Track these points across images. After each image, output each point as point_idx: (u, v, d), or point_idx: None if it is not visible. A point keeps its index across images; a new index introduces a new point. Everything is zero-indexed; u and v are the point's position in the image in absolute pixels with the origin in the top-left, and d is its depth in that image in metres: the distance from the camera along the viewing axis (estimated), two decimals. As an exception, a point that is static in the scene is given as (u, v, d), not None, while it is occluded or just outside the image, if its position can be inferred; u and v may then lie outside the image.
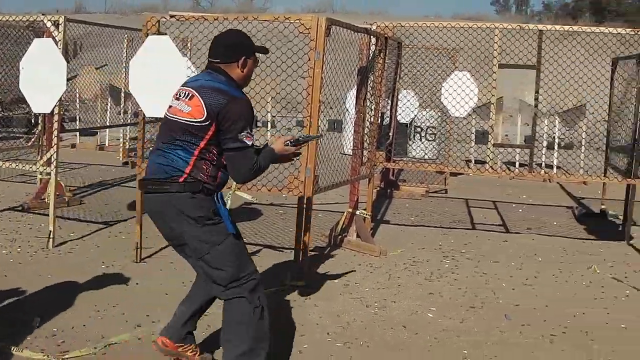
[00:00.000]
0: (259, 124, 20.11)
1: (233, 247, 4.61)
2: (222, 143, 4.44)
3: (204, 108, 4.39)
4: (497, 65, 8.40)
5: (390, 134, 9.73)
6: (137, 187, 5.06)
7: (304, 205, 7.01)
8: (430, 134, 15.23)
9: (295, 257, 7.17)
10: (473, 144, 15.71)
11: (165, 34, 7.37)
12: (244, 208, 9.98)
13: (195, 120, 4.41)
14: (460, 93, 9.29)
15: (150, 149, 5.73)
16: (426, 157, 14.78)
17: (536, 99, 8.51)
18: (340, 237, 8.61)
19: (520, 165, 15.12)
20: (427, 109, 14.43)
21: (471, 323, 6.19)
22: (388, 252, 8.30)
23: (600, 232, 10.13)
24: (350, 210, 8.61)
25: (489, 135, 8.97)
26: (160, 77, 7.06)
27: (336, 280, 7.20)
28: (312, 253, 8.00)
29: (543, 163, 15.95)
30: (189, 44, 12.27)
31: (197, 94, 4.45)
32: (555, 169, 15.42)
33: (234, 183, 7.01)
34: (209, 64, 4.70)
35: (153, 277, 6.98)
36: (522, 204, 12.31)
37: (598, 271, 8.05)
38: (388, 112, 9.91)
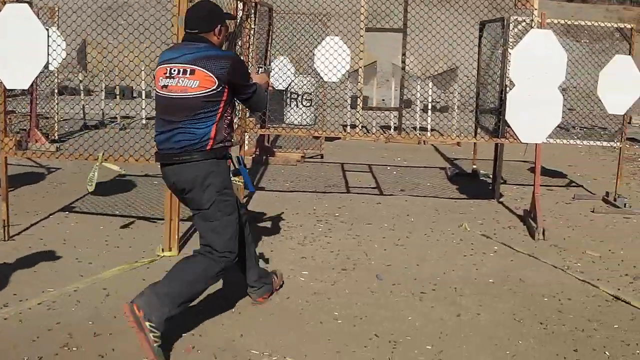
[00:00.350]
0: (134, 94, 19.79)
1: (235, 222, 5.14)
2: (239, 96, 5.06)
3: (213, 76, 4.78)
4: (364, 29, 8.42)
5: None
6: (156, 159, 5.12)
7: (173, 174, 6.89)
8: (307, 99, 15.25)
9: (166, 227, 7.07)
10: (349, 108, 15.80)
11: (26, 1, 7.11)
12: (118, 180, 9.79)
13: (208, 90, 4.80)
14: (332, 59, 9.29)
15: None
16: (303, 123, 14.82)
17: (403, 62, 8.56)
18: (214, 205, 8.53)
19: (395, 128, 15.30)
20: (302, 75, 14.42)
21: (342, 285, 6.25)
22: (262, 218, 8.29)
23: (471, 191, 10.38)
24: (229, 177, 8.53)
25: (358, 99, 9.01)
26: (20, 47, 6.83)
27: (209, 249, 7.15)
28: (187, 223, 7.92)
29: (418, 126, 16.17)
30: (56, 14, 11.91)
31: (197, 67, 4.80)
32: (429, 132, 15.67)
33: (100, 155, 6.91)
34: (187, 35, 5.05)
35: (22, 255, 6.77)
36: (397, 166, 12.49)
37: (468, 229, 8.24)
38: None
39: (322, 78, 9.78)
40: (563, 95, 8.07)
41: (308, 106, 15.26)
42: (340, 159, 12.86)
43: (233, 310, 5.57)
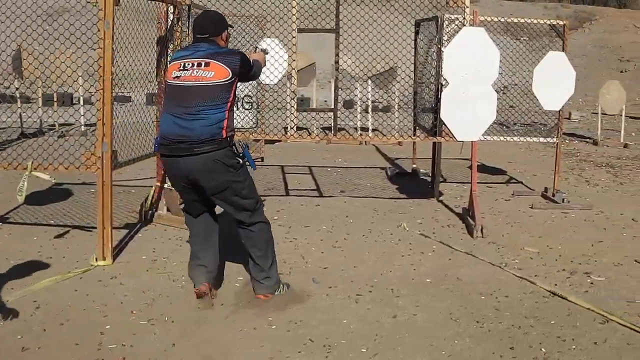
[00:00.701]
0: (73, 100, 19.46)
1: (252, 181, 5.81)
2: (244, 77, 5.72)
3: (227, 68, 5.40)
4: (296, 30, 8.35)
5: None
6: (164, 152, 5.63)
7: (103, 182, 6.74)
8: (247, 102, 15.11)
9: (99, 236, 6.92)
10: (294, 110, 15.69)
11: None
12: (54, 189, 9.59)
13: (223, 80, 5.40)
14: (269, 60, 9.17)
15: None
16: (245, 126, 14.68)
17: (336, 62, 8.49)
18: (150, 212, 8.41)
19: (339, 129, 15.27)
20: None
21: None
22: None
23: (411, 191, 10.36)
24: (159, 183, 8.41)
25: (292, 101, 8.94)
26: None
27: (144, 257, 7.00)
28: (123, 231, 7.79)
29: (359, 126, 16.14)
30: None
31: (212, 60, 5.42)
32: (370, 132, 15.65)
33: (29, 164, 6.75)
34: (197, 39, 5.65)
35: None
36: (338, 167, 12.43)
37: (407, 229, 8.21)
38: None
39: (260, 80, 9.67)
40: (504, 93, 8.09)
41: (249, 109, 15.12)
42: (280, 162, 12.78)
43: (166, 318, 5.45)
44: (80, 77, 14.95)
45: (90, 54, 7.25)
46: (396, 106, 15.65)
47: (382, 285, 6.30)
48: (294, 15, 8.24)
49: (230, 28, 5.91)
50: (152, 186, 8.56)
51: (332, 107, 14.10)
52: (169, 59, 7.90)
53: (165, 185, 8.34)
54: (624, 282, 6.60)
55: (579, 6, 31.04)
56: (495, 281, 6.50)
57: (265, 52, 6.47)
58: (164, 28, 8.02)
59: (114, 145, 6.77)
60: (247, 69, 5.64)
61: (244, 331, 5.26)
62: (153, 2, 7.74)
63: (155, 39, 8.05)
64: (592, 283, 6.56)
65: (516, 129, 16.48)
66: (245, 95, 15.03)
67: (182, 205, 6.35)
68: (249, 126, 14.32)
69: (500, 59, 8.17)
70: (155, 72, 8.16)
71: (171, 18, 8.03)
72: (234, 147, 5.57)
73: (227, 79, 5.41)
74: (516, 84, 14.46)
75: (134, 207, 8.72)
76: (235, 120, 5.61)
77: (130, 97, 14.59)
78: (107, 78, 6.51)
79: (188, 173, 5.50)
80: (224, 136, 5.42)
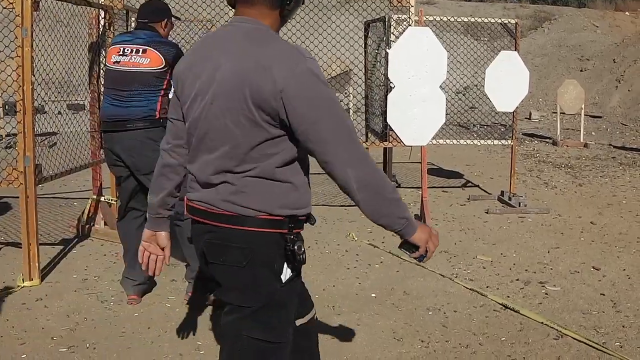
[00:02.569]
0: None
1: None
2: None
3: (162, 57, 5.59)
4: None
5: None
6: (103, 128, 5.84)
7: (27, 198, 6.32)
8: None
9: (24, 253, 6.49)
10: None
11: None
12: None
13: (156, 68, 5.59)
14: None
15: None
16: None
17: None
18: (88, 226, 8.00)
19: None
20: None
21: (210, 309, 5.74)
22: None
23: (363, 198, 10.00)
24: (95, 197, 8.01)
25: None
26: None
27: (74, 275, 6.60)
28: (57, 247, 7.38)
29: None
30: None
31: (149, 47, 5.60)
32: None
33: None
34: (139, 24, 5.83)
35: None
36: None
37: (355, 238, 7.88)
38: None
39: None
40: (464, 94, 7.78)
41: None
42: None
43: (87, 345, 5.06)
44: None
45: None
46: (351, 110, 15.30)
47: (323, 301, 5.93)
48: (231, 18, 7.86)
49: (175, 19, 6.10)
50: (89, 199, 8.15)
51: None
52: (102, 64, 7.58)
53: (102, 199, 7.94)
54: (579, 291, 6.31)
55: (538, 6, 30.94)
56: (444, 294, 6.18)
57: None
58: (95, 34, 7.60)
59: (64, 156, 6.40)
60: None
61: (169, 358, 4.87)
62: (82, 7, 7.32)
63: (87, 45, 7.65)
64: (546, 294, 6.25)
65: (476, 131, 16.26)
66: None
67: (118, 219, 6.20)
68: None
69: (461, 59, 7.86)
70: (87, 79, 7.76)
71: (102, 23, 7.63)
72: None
73: (160, 67, 5.61)
74: (476, 85, 14.23)
75: (73, 221, 8.29)
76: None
77: (85, 105, 14.12)
78: (27, 88, 6.10)
79: (120, 147, 5.68)
80: (157, 117, 5.63)
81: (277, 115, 2.69)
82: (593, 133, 18.28)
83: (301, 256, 2.89)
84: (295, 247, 2.86)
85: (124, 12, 8.04)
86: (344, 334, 5.29)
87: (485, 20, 9.74)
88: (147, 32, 5.73)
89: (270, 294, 2.90)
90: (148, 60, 5.59)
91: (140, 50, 5.62)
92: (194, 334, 5.24)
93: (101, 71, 7.68)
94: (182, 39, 12.28)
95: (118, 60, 5.66)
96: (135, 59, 5.61)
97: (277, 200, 2.82)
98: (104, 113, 5.80)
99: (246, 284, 2.89)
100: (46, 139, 13.28)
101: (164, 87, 5.65)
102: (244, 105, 2.70)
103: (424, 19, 8.31)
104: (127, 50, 5.64)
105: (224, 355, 3.11)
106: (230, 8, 2.95)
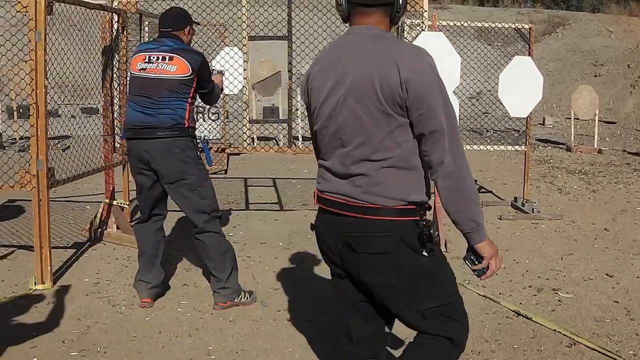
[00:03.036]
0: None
1: (212, 185, 5.96)
2: (201, 89, 5.86)
3: (188, 65, 5.65)
4: (246, 38, 7.99)
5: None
6: (127, 135, 5.88)
7: (39, 201, 6.33)
8: (213, 113, 14.75)
9: (36, 257, 6.49)
10: (246, 122, 15.30)
11: None
12: (6, 206, 9.18)
13: (184, 75, 5.65)
14: (230, 69, 8.80)
15: None
16: (211, 137, 14.29)
17: (290, 70, 8.09)
18: (100, 230, 8.00)
19: (304, 139, 14.92)
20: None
21: (223, 314, 5.75)
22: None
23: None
24: (107, 200, 8.01)
25: (245, 112, 8.56)
26: None
27: (86, 279, 6.60)
28: (70, 250, 7.39)
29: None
30: None
31: (175, 55, 5.65)
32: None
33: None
34: (161, 33, 5.85)
35: None
36: (302, 179, 11.96)
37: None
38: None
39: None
40: (477, 100, 7.74)
41: (215, 120, 14.75)
42: (244, 174, 12.32)
43: (98, 349, 5.06)
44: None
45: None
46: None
47: (336, 308, 5.89)
48: (244, 22, 7.87)
49: (195, 24, 6.12)
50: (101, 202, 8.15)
51: (293, 117, 13.82)
52: (115, 68, 7.60)
53: (115, 203, 7.95)
54: (593, 298, 6.27)
55: (552, 11, 30.89)
56: (457, 301, 6.13)
57: (221, 73, 6.58)
58: (108, 38, 7.62)
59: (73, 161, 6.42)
60: (206, 78, 5.88)
61: (180, 363, 4.87)
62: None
63: (100, 49, 7.67)
64: (559, 301, 6.21)
65: (489, 136, 16.22)
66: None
67: (135, 221, 6.35)
68: (214, 137, 13.98)
69: (474, 64, 7.83)
70: (101, 83, 7.77)
71: (115, 27, 7.64)
72: (194, 140, 5.84)
73: (187, 74, 5.66)
74: (489, 90, 14.19)
75: (86, 225, 8.29)
76: (200, 131, 5.84)
77: (98, 108, 14.15)
78: (40, 91, 6.11)
79: (148, 156, 5.67)
80: (186, 125, 5.69)
81: (404, 103, 3.02)
82: (607, 139, 18.19)
83: (436, 237, 3.19)
84: (431, 231, 3.14)
85: (138, 16, 8.07)
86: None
87: (499, 25, 9.71)
88: (172, 40, 5.78)
89: (422, 269, 3.19)
90: (175, 68, 5.65)
91: (167, 57, 5.67)
92: (205, 339, 5.23)
93: (114, 75, 7.71)
94: (195, 42, 12.37)
95: (144, 67, 5.70)
96: (162, 66, 5.66)
97: (411, 188, 3.15)
98: (129, 119, 5.79)
99: (399, 265, 3.17)
100: (59, 142, 13.36)
101: (191, 95, 5.74)
102: (375, 97, 3.04)
103: (437, 23, 8.30)
104: (153, 57, 5.70)
105: (419, 338, 3.37)
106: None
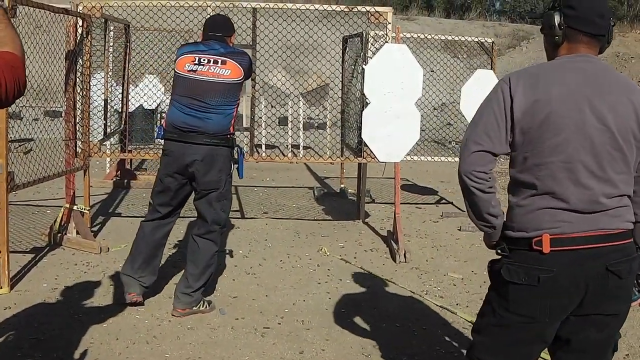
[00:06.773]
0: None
1: (232, 199, 6.17)
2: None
3: (240, 68, 5.71)
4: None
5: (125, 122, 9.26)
6: (171, 137, 5.76)
7: (-3, 205, 6.29)
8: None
9: (-6, 263, 6.46)
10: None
11: None
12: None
13: (237, 79, 5.72)
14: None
15: None
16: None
17: (253, 79, 8.07)
18: (60, 235, 7.95)
19: (267, 147, 14.92)
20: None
21: (180, 321, 5.75)
22: (110, 248, 7.72)
23: (337, 212, 10.00)
24: (68, 205, 7.97)
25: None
26: None
27: (44, 284, 6.56)
28: (29, 255, 7.33)
29: (289, 144, 15.70)
30: None
31: (228, 58, 5.69)
32: (301, 150, 15.29)
33: None
34: (211, 37, 5.82)
35: None
36: (264, 187, 11.97)
37: (328, 253, 7.87)
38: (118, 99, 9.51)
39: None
40: (441, 111, 7.81)
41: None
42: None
43: (55, 355, 5.03)
44: None
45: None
46: (328, 124, 15.29)
47: (293, 316, 5.95)
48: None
49: (68, 39, 6.28)
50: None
51: (263, 125, 13.83)
52: (78, 72, 7.56)
53: (75, 208, 7.91)
54: (548, 310, 6.33)
55: (517, 25, 31.11)
56: (413, 311, 6.20)
57: None
58: (72, 42, 7.59)
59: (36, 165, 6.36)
60: (251, 72, 6.23)
61: (136, 371, 4.86)
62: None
63: (64, 52, 7.64)
64: (515, 312, 6.26)
65: (452, 147, 16.31)
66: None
67: (144, 219, 6.24)
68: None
69: (438, 76, 7.89)
70: (63, 87, 7.73)
71: (80, 31, 7.62)
72: (232, 150, 5.86)
73: (240, 78, 5.74)
74: (452, 102, 14.29)
75: (46, 230, 8.23)
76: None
77: (62, 112, 14.06)
78: (0, 94, 6.07)
79: (189, 160, 5.66)
80: (232, 131, 5.78)
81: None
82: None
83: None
84: None
85: (103, 20, 8.05)
86: (313, 348, 5.31)
87: (462, 39, 9.81)
88: (220, 44, 5.79)
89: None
90: (229, 72, 5.68)
91: (219, 61, 5.68)
92: (162, 347, 5.23)
93: (77, 79, 7.68)
94: (160, 49, 12.34)
95: (194, 69, 5.68)
96: (214, 69, 5.66)
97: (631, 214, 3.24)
98: (175, 120, 5.74)
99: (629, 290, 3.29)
100: (21, 145, 13.28)
101: (238, 99, 5.84)
102: (637, 129, 3.13)
103: (401, 35, 8.36)
104: (204, 60, 5.68)
105: None
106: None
